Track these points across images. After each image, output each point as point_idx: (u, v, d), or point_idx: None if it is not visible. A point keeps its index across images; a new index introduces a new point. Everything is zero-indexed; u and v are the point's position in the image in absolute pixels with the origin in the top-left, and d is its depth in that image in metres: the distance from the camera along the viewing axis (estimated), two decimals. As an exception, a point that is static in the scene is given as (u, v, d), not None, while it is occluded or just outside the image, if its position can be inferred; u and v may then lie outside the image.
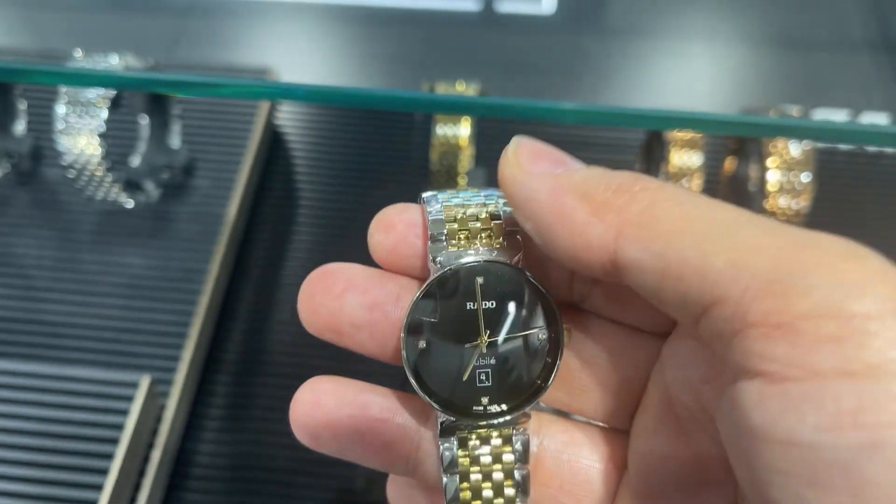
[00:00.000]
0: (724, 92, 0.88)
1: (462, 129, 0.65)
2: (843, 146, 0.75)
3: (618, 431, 0.25)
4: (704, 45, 0.92)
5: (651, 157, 0.68)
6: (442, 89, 0.66)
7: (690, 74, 0.90)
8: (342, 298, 0.24)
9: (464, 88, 0.66)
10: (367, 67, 0.90)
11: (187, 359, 0.61)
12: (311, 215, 0.73)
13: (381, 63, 0.90)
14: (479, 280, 0.23)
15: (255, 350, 0.65)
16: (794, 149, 0.62)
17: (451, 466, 0.24)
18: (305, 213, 0.73)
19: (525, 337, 0.23)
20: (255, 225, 0.72)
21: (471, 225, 0.24)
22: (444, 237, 0.24)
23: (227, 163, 0.73)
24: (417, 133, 0.75)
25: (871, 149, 0.76)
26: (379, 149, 0.76)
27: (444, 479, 0.24)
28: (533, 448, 0.25)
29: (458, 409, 0.23)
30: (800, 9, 0.94)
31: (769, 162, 0.62)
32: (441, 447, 0.24)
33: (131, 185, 0.68)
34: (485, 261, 0.24)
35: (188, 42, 0.90)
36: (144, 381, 0.57)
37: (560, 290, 0.24)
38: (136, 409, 0.55)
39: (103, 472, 0.54)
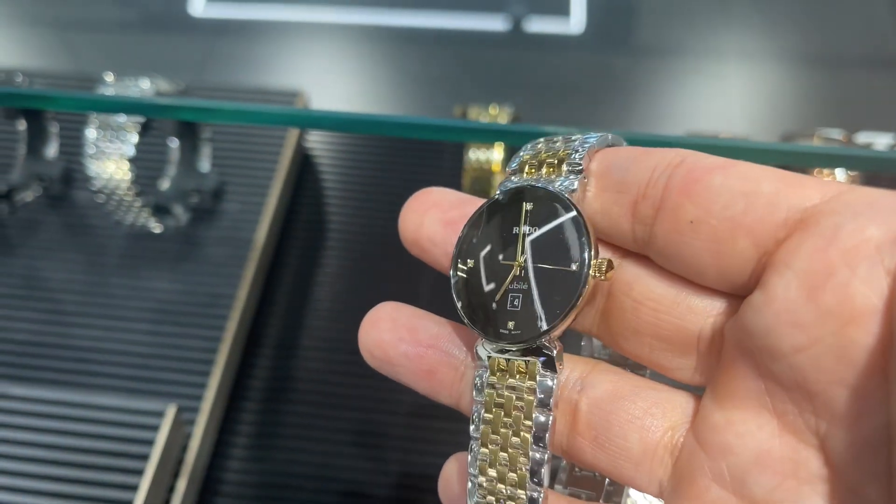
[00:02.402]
0: (761, 114, 0.86)
1: (495, 154, 0.64)
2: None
3: (674, 394, 0.23)
4: (740, 65, 0.90)
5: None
6: (474, 113, 0.65)
7: (726, 96, 0.88)
8: (425, 215, 0.26)
9: (496, 112, 0.65)
10: (397, 88, 0.89)
11: (214, 386, 0.60)
12: (340, 240, 0.72)
13: (411, 84, 0.89)
14: (528, 206, 0.23)
15: (283, 377, 0.64)
16: (840, 174, 0.60)
17: (479, 393, 0.24)
18: (335, 237, 0.72)
19: (555, 269, 0.23)
20: (284, 250, 0.71)
21: (540, 158, 0.24)
22: (515, 171, 0.25)
23: (257, 187, 0.72)
24: (449, 157, 0.74)
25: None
26: (410, 173, 0.75)
27: (473, 406, 0.24)
28: (575, 395, 0.23)
29: (486, 328, 0.23)
30: (839, 28, 0.92)
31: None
32: (475, 371, 0.24)
33: (160, 210, 0.68)
34: (531, 186, 0.24)
35: (219, 64, 0.90)
36: (170, 410, 0.56)
37: (621, 233, 0.23)
38: (161, 438, 0.55)
39: (127, 503, 0.53)
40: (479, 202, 0.25)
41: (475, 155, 0.64)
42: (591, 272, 0.22)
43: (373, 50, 0.93)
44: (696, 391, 0.23)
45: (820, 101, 0.86)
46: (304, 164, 0.77)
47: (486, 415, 0.23)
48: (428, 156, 0.76)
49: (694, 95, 0.88)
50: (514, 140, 0.57)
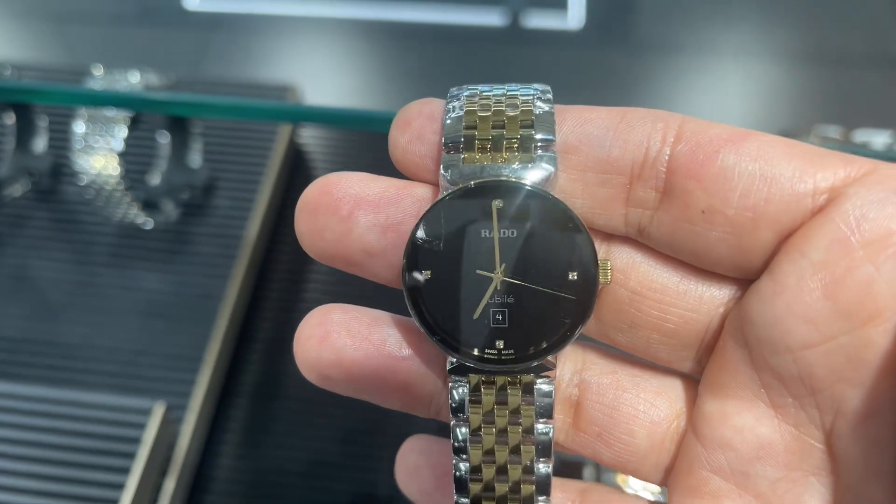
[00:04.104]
0: (758, 111, 0.85)
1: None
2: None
3: (673, 379, 0.22)
4: (738, 63, 0.90)
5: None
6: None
7: (723, 93, 0.87)
8: (351, 219, 0.20)
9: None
10: (391, 83, 0.88)
11: (204, 384, 0.59)
12: (332, 236, 0.71)
13: (406, 79, 0.89)
14: (497, 203, 0.19)
15: (273, 375, 0.63)
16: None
17: (459, 410, 0.20)
18: (327, 234, 0.71)
19: (551, 274, 0.19)
20: (275, 246, 0.70)
21: (493, 133, 0.20)
22: (459, 146, 0.20)
23: (248, 182, 0.71)
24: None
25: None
26: (403, 169, 0.75)
27: (452, 424, 0.21)
28: (573, 389, 0.21)
29: (467, 351, 0.20)
30: (837, 25, 0.91)
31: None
32: (450, 386, 0.20)
33: (150, 205, 0.67)
34: (504, 180, 0.19)
35: (213, 58, 0.90)
36: (159, 409, 0.55)
37: (610, 218, 0.20)
38: (149, 437, 0.54)
39: (114, 502, 0.52)
40: (414, 188, 0.21)
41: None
42: (600, 279, 0.19)
43: (368, 45, 0.93)
44: (694, 375, 0.22)
45: (817, 99, 0.85)
46: (296, 159, 0.76)
47: (473, 435, 0.20)
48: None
49: (692, 92, 0.87)
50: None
